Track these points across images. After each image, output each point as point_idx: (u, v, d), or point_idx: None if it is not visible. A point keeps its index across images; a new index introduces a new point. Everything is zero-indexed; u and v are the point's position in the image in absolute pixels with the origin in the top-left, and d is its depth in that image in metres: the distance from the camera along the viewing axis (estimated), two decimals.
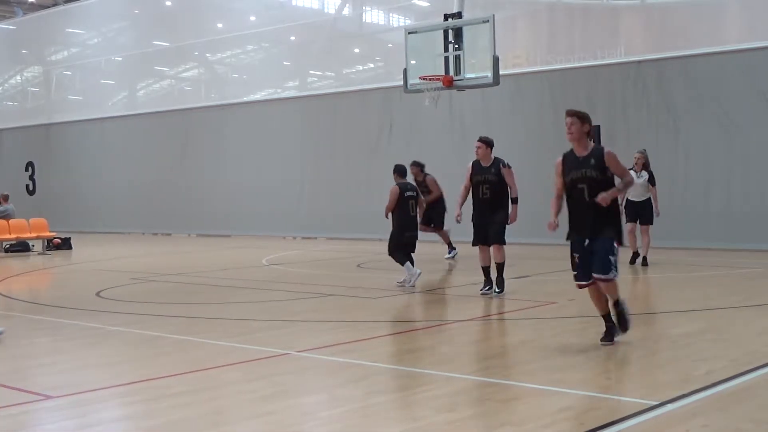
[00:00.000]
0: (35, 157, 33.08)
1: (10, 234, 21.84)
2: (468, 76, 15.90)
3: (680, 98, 18.43)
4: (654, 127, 18.65)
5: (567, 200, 8.03)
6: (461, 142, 19.85)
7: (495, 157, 11.40)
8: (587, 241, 7.85)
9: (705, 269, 14.73)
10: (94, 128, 30.86)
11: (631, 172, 14.65)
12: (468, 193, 11.50)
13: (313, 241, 23.52)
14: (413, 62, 16.52)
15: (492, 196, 11.23)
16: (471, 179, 11.39)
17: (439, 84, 15.90)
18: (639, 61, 19.20)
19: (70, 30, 33.92)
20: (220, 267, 16.76)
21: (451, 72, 15.85)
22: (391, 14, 26.38)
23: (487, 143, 11.44)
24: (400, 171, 13.25)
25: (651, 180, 14.83)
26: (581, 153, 7.90)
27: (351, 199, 23.33)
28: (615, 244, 7.84)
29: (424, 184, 16.30)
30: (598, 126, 19.07)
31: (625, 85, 19.20)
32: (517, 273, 13.65)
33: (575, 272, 7.98)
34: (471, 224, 11.50)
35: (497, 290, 11.45)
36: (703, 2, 19.53)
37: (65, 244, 22.51)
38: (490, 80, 15.58)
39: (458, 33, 15.88)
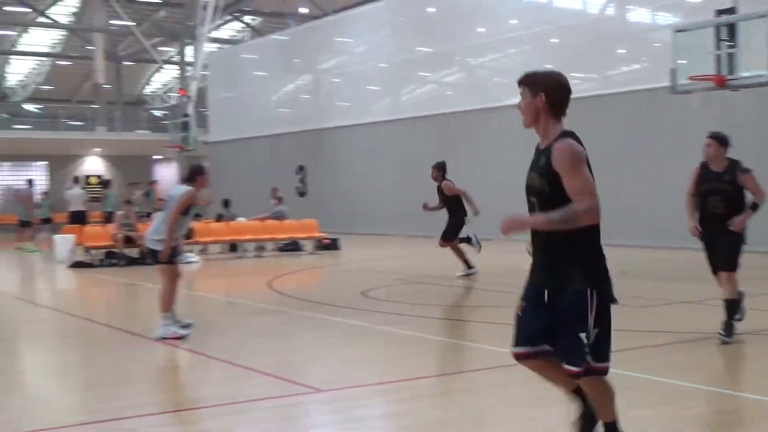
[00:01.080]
0: (306, 160, 34.92)
1: (283, 234, 23.19)
2: (743, 75, 15.04)
3: None
4: None
5: None
6: (736, 144, 18.76)
7: (730, 159, 8.75)
8: (546, 294, 4.77)
9: None
10: (361, 133, 32.09)
11: None
12: (694, 202, 8.80)
13: None
14: (681, 62, 15.87)
15: (726, 210, 8.52)
16: (696, 187, 8.74)
17: (711, 84, 15.16)
18: None
19: (339, 39, 35.48)
20: (482, 270, 16.81)
21: (724, 71, 15.07)
22: (656, 12, 25.45)
23: (721, 140, 8.72)
24: None
25: None
26: (542, 144, 4.94)
27: (613, 204, 22.67)
28: (589, 305, 4.54)
29: (441, 189, 15.70)
30: None
31: None
32: None
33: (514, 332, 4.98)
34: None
35: (722, 333, 8.74)
36: None
37: (333, 245, 23.47)
38: None
39: (731, 29, 15.08)
